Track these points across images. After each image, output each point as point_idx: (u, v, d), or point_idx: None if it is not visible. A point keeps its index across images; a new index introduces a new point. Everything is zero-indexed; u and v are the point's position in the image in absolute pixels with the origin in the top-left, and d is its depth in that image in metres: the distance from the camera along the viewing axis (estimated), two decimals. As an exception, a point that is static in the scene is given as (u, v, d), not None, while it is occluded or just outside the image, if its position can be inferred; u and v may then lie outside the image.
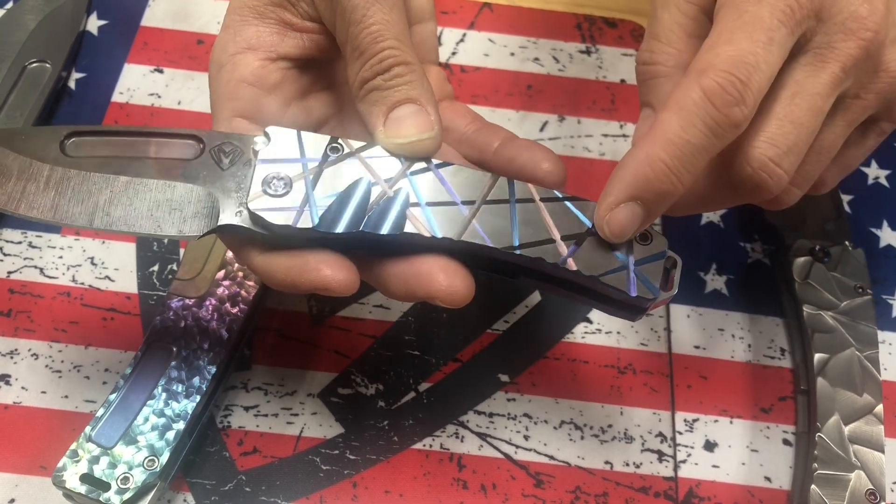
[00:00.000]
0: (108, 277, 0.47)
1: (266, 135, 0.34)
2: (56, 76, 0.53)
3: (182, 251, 0.48)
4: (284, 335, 0.47)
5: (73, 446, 0.39)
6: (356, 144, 0.34)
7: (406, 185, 0.34)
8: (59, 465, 0.39)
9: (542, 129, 0.55)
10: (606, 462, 0.44)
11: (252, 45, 0.36)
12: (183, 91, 0.54)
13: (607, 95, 0.57)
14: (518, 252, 0.34)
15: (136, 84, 0.55)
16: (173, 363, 0.42)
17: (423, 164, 0.34)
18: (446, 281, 0.33)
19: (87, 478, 0.38)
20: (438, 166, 0.34)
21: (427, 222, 0.33)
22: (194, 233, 0.34)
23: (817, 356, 0.45)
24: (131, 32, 0.57)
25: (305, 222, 0.33)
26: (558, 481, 0.44)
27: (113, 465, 0.39)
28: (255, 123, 0.36)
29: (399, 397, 0.45)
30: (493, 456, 0.44)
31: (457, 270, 0.34)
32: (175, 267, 0.48)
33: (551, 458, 0.44)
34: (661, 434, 0.45)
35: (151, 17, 0.57)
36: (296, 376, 0.46)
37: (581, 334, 0.48)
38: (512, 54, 0.58)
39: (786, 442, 0.46)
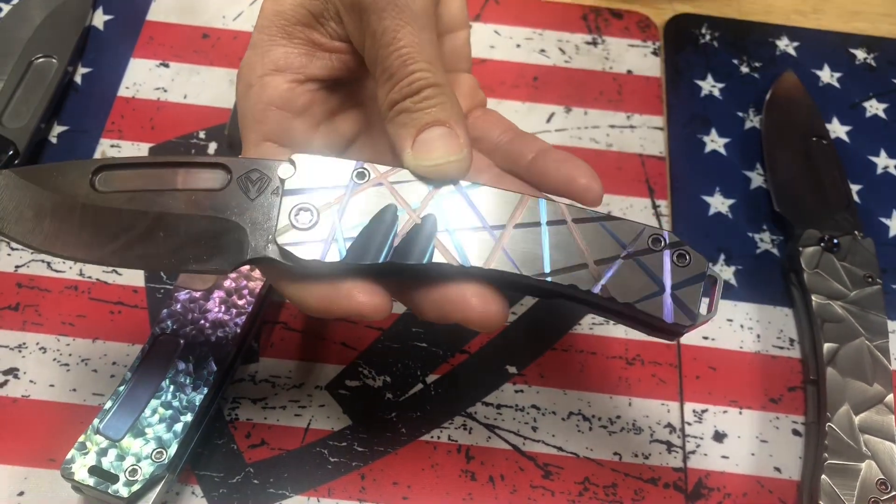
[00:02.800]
0: (115, 271, 0.47)
1: (292, 162, 0.33)
2: (62, 71, 0.53)
3: (189, 244, 0.48)
4: (291, 328, 0.47)
5: (81, 439, 0.39)
6: (383, 169, 0.33)
7: (434, 210, 0.33)
8: (68, 457, 0.39)
9: (548, 121, 0.55)
10: (615, 453, 0.44)
11: (280, 67, 0.35)
12: (189, 85, 0.54)
13: (614, 86, 0.57)
14: (549, 280, 0.32)
15: (143, 78, 0.55)
16: (180, 355, 0.42)
17: (451, 187, 0.33)
18: (481, 306, 0.33)
19: (95, 470, 0.38)
20: (467, 188, 0.33)
21: (455, 250, 0.32)
22: (224, 267, 0.33)
23: (827, 346, 0.45)
24: (137, 27, 0.57)
25: (333, 256, 0.32)
26: (567, 473, 0.44)
27: (121, 458, 0.39)
28: (283, 146, 0.35)
29: (406, 389, 0.45)
30: (501, 447, 0.44)
31: (490, 295, 0.33)
32: (182, 260, 0.48)
33: (559, 449, 0.44)
34: (669, 425, 0.45)
35: (157, 12, 0.57)
36: (303, 369, 0.45)
37: (589, 325, 0.48)
38: (518, 46, 0.58)
39: (795, 432, 0.45)
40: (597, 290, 0.32)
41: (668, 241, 0.33)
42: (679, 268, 0.33)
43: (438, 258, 0.32)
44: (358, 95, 0.39)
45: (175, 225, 0.33)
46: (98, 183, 0.34)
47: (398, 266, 0.32)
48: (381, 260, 0.32)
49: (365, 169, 0.33)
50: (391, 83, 0.33)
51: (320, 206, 0.33)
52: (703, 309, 0.33)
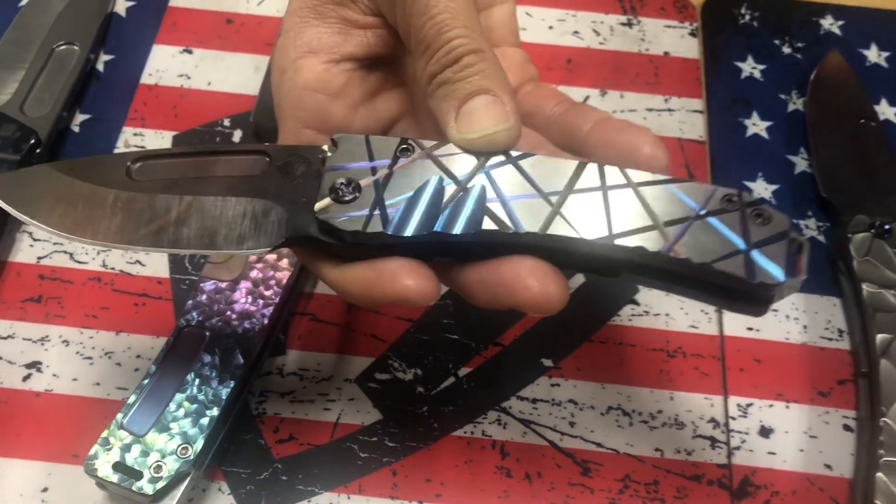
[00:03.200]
0: (138, 262, 0.46)
1: (333, 142, 0.32)
2: (84, 59, 0.52)
3: (214, 234, 0.47)
4: (320, 319, 0.45)
5: (104, 434, 0.38)
6: (428, 144, 0.32)
7: (483, 180, 0.31)
8: (91, 453, 0.38)
9: (582, 105, 0.53)
10: (656, 449, 0.42)
11: (313, 48, 0.34)
12: (213, 72, 0.53)
13: (651, 69, 0.55)
14: (614, 242, 0.30)
15: (165, 65, 0.53)
16: (206, 348, 0.41)
17: (500, 158, 0.31)
18: (538, 286, 0.30)
19: (119, 466, 0.37)
20: (518, 158, 0.31)
21: (507, 217, 0.30)
22: (263, 247, 0.32)
23: (879, 337, 0.43)
24: (160, 13, 0.56)
25: (375, 226, 0.30)
26: (606, 469, 0.42)
27: (145, 454, 0.37)
28: (322, 132, 0.34)
29: (438, 382, 0.44)
30: (538, 443, 0.42)
31: (548, 272, 0.30)
32: (207, 250, 0.46)
33: (599, 445, 0.42)
34: (713, 420, 0.43)
35: (180, -3, 0.56)
36: (332, 361, 0.44)
37: (628, 317, 0.46)
38: (550, 28, 0.56)
39: (846, 427, 0.43)
40: (668, 251, 0.29)
41: (743, 200, 0.30)
42: (758, 226, 0.30)
43: (488, 226, 0.30)
44: (399, 74, 0.37)
45: (212, 207, 0.33)
46: (134, 173, 0.33)
47: (445, 240, 0.30)
48: (427, 230, 0.30)
49: (409, 144, 0.32)
50: (428, 54, 0.31)
51: (362, 180, 0.31)
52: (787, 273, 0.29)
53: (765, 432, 0.43)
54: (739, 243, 0.30)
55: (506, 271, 0.30)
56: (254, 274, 0.43)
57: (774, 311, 0.46)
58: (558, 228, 0.30)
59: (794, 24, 0.57)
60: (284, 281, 0.43)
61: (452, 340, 0.45)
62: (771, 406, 0.44)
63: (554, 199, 0.30)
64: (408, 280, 0.30)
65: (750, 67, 0.55)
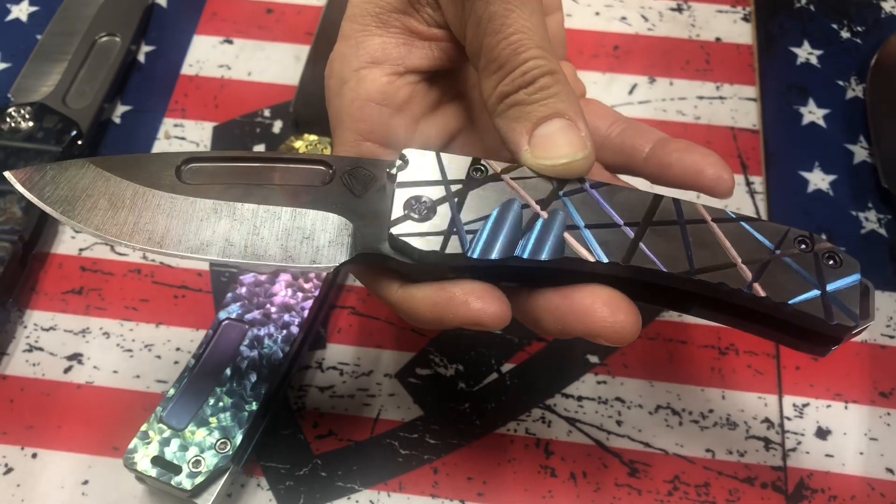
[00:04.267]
0: (179, 254, 0.46)
1: (403, 157, 0.31)
2: (126, 50, 0.52)
3: (253, 226, 0.46)
4: (360, 312, 0.44)
5: (143, 428, 0.38)
6: (500, 166, 0.31)
7: (560, 206, 0.30)
8: (130, 446, 0.37)
9: (630, 93, 0.51)
10: (707, 450, 0.41)
11: (377, 59, 0.32)
12: (253, 62, 0.53)
13: (702, 55, 0.53)
14: (696, 277, 0.30)
15: (206, 56, 0.53)
16: (246, 342, 0.40)
17: (576, 184, 0.31)
18: (611, 316, 0.29)
19: (158, 460, 0.37)
20: (593, 186, 0.31)
21: (590, 246, 0.30)
22: (330, 263, 0.30)
23: (946, 335, 0.41)
24: (200, 3, 0.55)
25: (454, 248, 0.29)
26: (655, 470, 0.40)
27: (184, 448, 0.37)
28: (383, 146, 0.33)
29: (480, 378, 0.43)
30: (584, 442, 0.41)
31: (621, 303, 0.29)
32: (246, 243, 0.46)
33: (647, 445, 0.41)
34: (767, 420, 0.42)
35: (220, -13, 0.56)
36: (372, 356, 0.43)
37: (678, 312, 0.44)
38: (597, 13, 0.54)
39: (909, 430, 0.41)
40: (748, 288, 0.30)
41: (815, 243, 0.31)
42: (831, 269, 0.30)
43: (570, 254, 0.29)
44: (457, 87, 0.35)
45: (272, 217, 0.31)
46: (185, 175, 0.32)
47: (523, 264, 0.30)
48: (511, 255, 0.29)
49: (482, 165, 0.31)
50: (501, 73, 0.30)
51: (436, 198, 0.30)
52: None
53: (822, 434, 0.41)
54: (816, 285, 0.30)
55: (578, 299, 0.29)
56: (293, 266, 0.42)
57: (832, 307, 0.44)
58: (641, 260, 0.30)
59: (853, 7, 0.55)
60: (324, 273, 0.42)
61: (495, 335, 0.44)
62: (828, 406, 0.42)
63: (633, 229, 0.30)
64: (480, 303, 0.29)
65: (806, 53, 0.53)
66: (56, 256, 0.46)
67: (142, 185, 0.31)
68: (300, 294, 0.41)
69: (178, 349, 0.43)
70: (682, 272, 0.30)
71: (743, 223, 0.31)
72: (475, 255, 0.29)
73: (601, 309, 0.29)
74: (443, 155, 0.31)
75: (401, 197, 0.30)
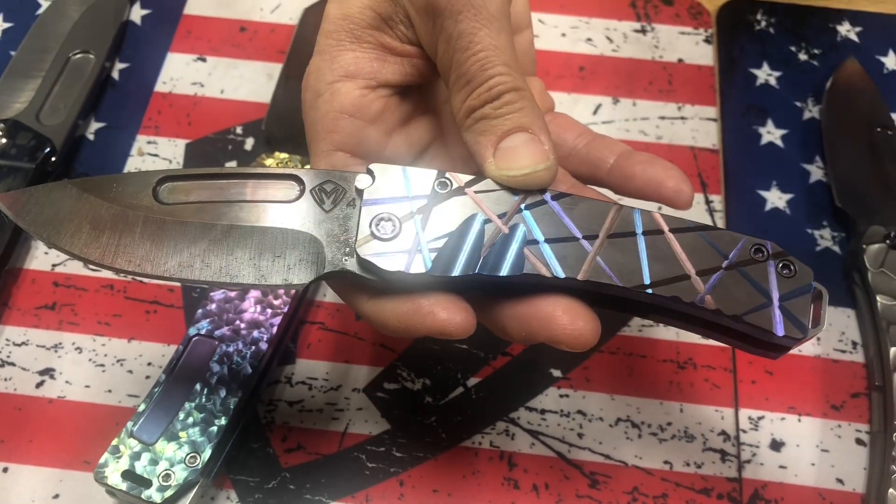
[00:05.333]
0: (151, 270, 0.47)
1: (370, 172, 0.32)
2: (100, 67, 0.53)
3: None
4: (329, 328, 0.45)
5: (114, 442, 0.38)
6: (465, 179, 0.32)
7: (521, 220, 0.31)
8: (101, 461, 0.38)
9: (595, 113, 0.53)
10: (665, 462, 0.42)
11: (350, 73, 0.33)
12: (226, 79, 0.53)
13: (664, 76, 0.54)
14: (650, 291, 0.31)
15: (180, 73, 0.54)
16: (216, 357, 0.41)
17: (537, 196, 0.32)
18: (570, 324, 0.30)
19: (128, 474, 0.38)
20: (554, 198, 0.32)
21: (547, 261, 0.31)
22: (300, 281, 0.31)
23: (893, 350, 0.43)
24: (174, 21, 0.56)
25: (418, 267, 0.30)
26: (614, 482, 0.42)
27: (154, 462, 0.38)
28: (356, 157, 0.34)
29: (447, 393, 0.44)
30: (546, 455, 0.42)
31: (580, 311, 0.31)
32: (218, 259, 0.47)
33: (607, 457, 0.42)
34: (723, 432, 0.43)
35: (194, 6, 0.56)
36: (341, 371, 0.44)
37: (638, 327, 0.46)
38: (563, 35, 0.56)
39: (859, 441, 0.43)
40: (701, 302, 0.31)
41: (770, 252, 0.32)
42: (785, 279, 0.31)
43: (529, 269, 0.31)
44: (428, 102, 0.37)
45: (246, 237, 0.31)
46: (161, 194, 0.32)
47: (485, 279, 0.31)
48: (472, 272, 0.30)
49: (446, 178, 0.32)
50: (468, 89, 0.31)
51: (401, 216, 0.31)
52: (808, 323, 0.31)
53: (776, 446, 0.43)
54: (768, 296, 0.31)
55: (540, 308, 0.31)
56: (263, 283, 0.43)
57: (787, 322, 0.46)
58: (597, 275, 0.31)
59: (811, 31, 0.57)
60: (293, 290, 0.43)
61: (461, 350, 0.45)
62: (783, 419, 0.43)
63: (591, 242, 0.31)
64: (445, 314, 0.30)
65: (765, 74, 0.55)
66: (29, 272, 0.47)
67: (120, 206, 0.32)
68: (269, 311, 0.42)
69: (149, 364, 0.44)
70: (636, 286, 0.31)
71: (699, 233, 0.31)
72: (436, 273, 0.30)
73: (562, 317, 0.31)
74: (408, 169, 0.32)
75: (367, 216, 0.31)
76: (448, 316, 0.30)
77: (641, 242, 0.31)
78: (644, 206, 0.33)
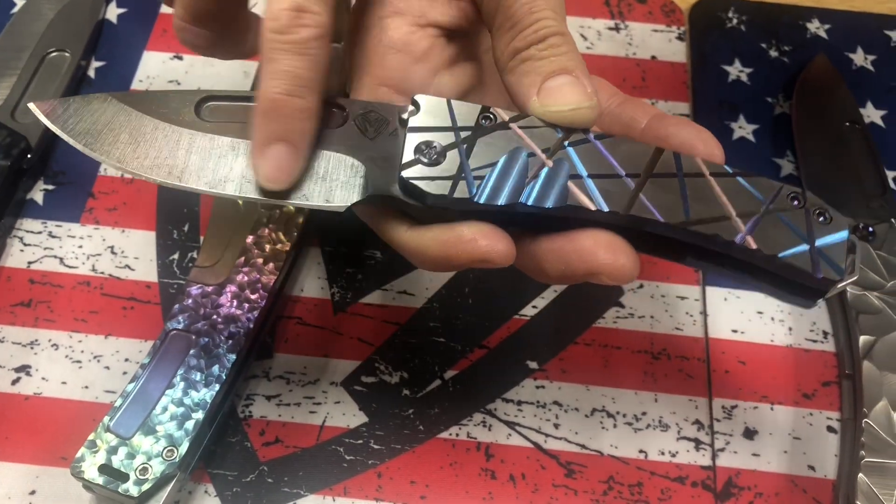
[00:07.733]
0: (127, 266, 0.47)
1: (415, 103, 0.32)
2: (76, 65, 0.52)
3: (202, 238, 0.47)
4: (306, 322, 0.46)
5: (91, 437, 0.38)
6: (508, 115, 0.32)
7: (565, 155, 0.32)
8: (78, 455, 0.38)
9: (569, 109, 0.53)
10: (640, 451, 0.43)
11: (400, 10, 0.34)
12: (203, 78, 0.54)
13: (637, 73, 0.55)
14: (691, 228, 0.31)
15: (156, 71, 0.54)
16: (193, 352, 0.41)
17: (580, 135, 0.32)
18: (612, 256, 0.31)
19: (105, 469, 0.38)
20: (597, 137, 0.32)
21: (592, 194, 0.31)
22: (342, 202, 0.32)
23: (863, 338, 0.43)
24: (150, 20, 0.56)
25: (462, 192, 0.31)
26: (590, 471, 0.42)
27: (131, 456, 0.38)
28: (399, 93, 0.34)
29: (424, 385, 0.44)
30: (522, 445, 0.43)
31: (621, 245, 0.31)
32: (196, 255, 0.47)
33: (583, 447, 0.43)
34: (697, 422, 0.44)
35: (170, 4, 0.56)
36: (318, 365, 0.44)
37: (613, 319, 0.46)
38: (538, 32, 0.56)
39: (830, 429, 0.43)
40: (740, 240, 0.31)
41: (807, 199, 0.32)
42: (821, 226, 0.32)
43: (573, 202, 0.31)
44: (471, 50, 0.37)
45: None
46: (204, 112, 0.33)
47: (528, 209, 0.31)
48: (517, 201, 0.31)
49: (491, 113, 0.32)
50: (515, 31, 0.32)
51: (446, 144, 0.31)
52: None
53: (749, 434, 0.43)
54: (805, 239, 0.31)
55: (580, 242, 0.31)
56: (240, 278, 0.43)
57: (760, 312, 0.47)
58: (640, 210, 0.31)
59: (781, 28, 0.58)
60: (270, 285, 0.43)
61: (439, 343, 0.45)
62: (755, 408, 0.44)
63: (634, 181, 0.31)
64: (486, 241, 0.31)
65: (737, 71, 0.56)
66: (4, 269, 0.46)
67: (162, 120, 0.32)
68: (246, 305, 0.42)
69: (126, 360, 0.44)
70: (678, 223, 0.31)
71: (739, 178, 0.32)
72: (482, 200, 0.31)
73: (603, 249, 0.31)
74: (453, 102, 0.32)
75: (412, 141, 0.31)
76: (489, 244, 0.31)
77: (683, 183, 0.32)
78: None
